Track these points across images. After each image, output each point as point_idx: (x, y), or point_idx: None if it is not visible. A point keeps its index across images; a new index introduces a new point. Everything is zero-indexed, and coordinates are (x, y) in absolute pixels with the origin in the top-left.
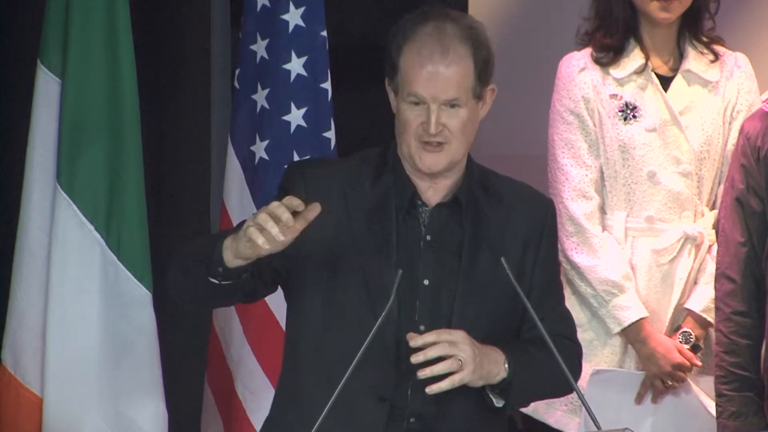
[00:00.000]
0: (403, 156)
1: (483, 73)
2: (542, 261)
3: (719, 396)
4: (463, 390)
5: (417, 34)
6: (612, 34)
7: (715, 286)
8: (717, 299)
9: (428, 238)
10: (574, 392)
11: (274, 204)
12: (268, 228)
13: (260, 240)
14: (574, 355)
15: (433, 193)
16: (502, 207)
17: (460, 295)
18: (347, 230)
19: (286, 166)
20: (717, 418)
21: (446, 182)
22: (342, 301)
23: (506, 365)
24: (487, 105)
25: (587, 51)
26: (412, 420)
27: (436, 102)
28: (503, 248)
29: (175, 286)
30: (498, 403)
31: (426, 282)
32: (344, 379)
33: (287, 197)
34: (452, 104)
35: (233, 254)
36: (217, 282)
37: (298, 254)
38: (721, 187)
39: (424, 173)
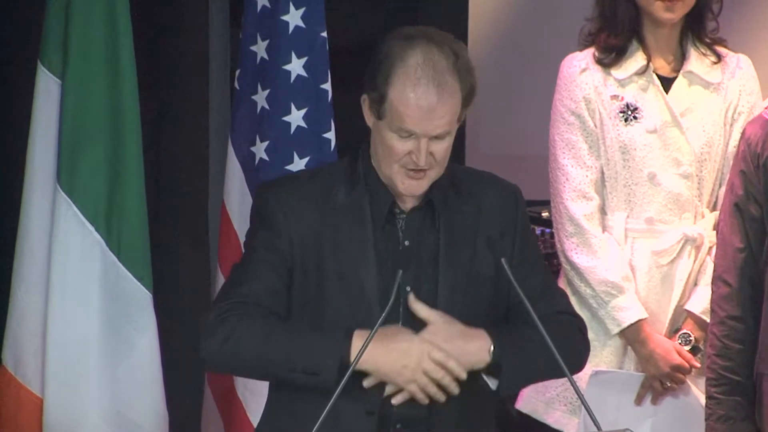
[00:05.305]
0: (383, 176)
1: (468, 98)
2: (520, 244)
3: (709, 398)
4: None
5: (407, 65)
6: (617, 34)
7: (711, 289)
8: (712, 302)
9: (406, 243)
10: (575, 393)
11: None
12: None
13: (433, 390)
14: (576, 329)
15: (409, 198)
16: (473, 203)
17: (441, 302)
18: (329, 245)
19: (256, 189)
20: (706, 420)
21: None
22: (328, 317)
23: (492, 348)
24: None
25: (589, 51)
26: (398, 426)
27: (427, 136)
28: (478, 244)
29: (233, 361)
30: (492, 385)
31: (408, 288)
32: (336, 393)
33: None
34: (440, 136)
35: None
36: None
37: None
38: (722, 188)
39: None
